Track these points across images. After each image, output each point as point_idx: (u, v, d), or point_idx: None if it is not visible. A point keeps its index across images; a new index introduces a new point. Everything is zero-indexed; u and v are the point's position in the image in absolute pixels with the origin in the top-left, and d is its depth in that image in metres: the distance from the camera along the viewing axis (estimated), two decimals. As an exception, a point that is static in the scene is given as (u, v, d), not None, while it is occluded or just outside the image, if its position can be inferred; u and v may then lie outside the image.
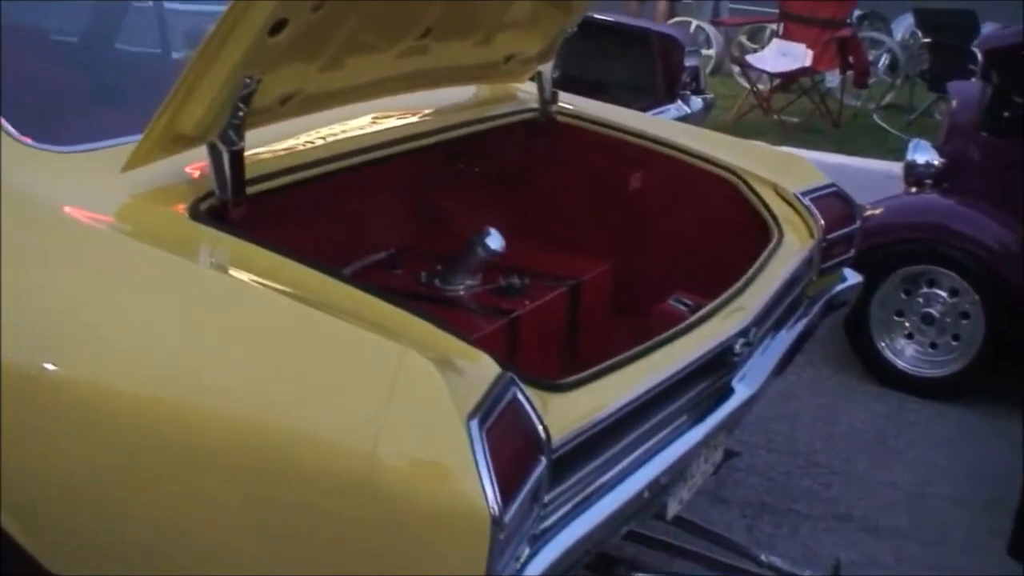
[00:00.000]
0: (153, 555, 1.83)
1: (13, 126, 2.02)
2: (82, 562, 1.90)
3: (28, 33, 2.73)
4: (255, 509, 1.70)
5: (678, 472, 2.24)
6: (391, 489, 1.58)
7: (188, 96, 1.91)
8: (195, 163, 2.07)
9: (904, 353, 4.27)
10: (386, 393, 1.61)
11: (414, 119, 2.73)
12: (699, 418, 2.25)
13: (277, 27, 1.89)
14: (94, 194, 1.98)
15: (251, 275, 1.84)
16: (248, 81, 1.93)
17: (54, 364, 1.80)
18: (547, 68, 3.05)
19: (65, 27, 3.18)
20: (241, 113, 1.96)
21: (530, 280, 2.70)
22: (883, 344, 4.29)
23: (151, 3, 3.42)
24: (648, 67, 5.75)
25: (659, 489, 2.13)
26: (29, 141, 2.02)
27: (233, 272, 1.88)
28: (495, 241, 2.52)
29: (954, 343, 4.17)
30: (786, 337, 2.70)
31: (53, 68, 2.68)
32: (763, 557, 2.85)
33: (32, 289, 1.87)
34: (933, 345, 4.22)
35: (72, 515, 1.86)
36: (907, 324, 4.26)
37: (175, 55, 3.22)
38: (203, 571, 1.77)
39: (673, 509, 2.34)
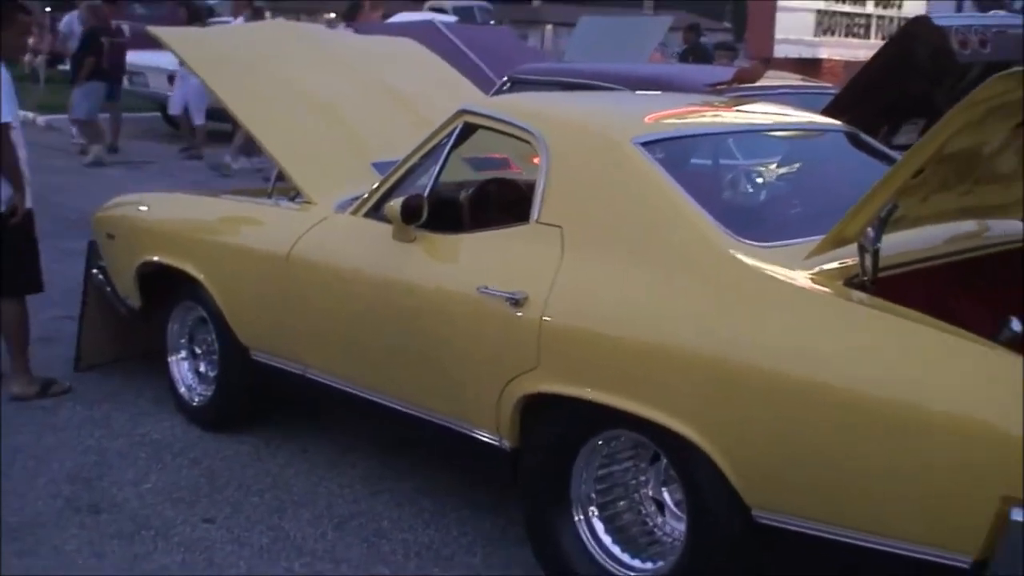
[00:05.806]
0: (840, 493, 2.96)
1: (737, 233, 3.34)
2: (777, 499, 3.08)
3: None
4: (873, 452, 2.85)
5: None
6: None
7: (859, 212, 3.09)
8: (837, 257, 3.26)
9: None
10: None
11: (938, 242, 3.77)
12: None
13: (917, 172, 3.06)
14: (793, 270, 3.22)
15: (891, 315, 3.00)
16: (893, 206, 3.10)
17: (783, 366, 3.03)
18: (1039, 207, 4.05)
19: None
20: (883, 226, 3.12)
21: None
22: None
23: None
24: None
25: None
26: (748, 240, 3.34)
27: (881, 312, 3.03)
28: (1018, 324, 3.52)
29: None
30: None
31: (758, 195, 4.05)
32: None
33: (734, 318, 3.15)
34: None
35: (779, 462, 3.05)
36: None
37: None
38: (861, 502, 2.92)
39: None
